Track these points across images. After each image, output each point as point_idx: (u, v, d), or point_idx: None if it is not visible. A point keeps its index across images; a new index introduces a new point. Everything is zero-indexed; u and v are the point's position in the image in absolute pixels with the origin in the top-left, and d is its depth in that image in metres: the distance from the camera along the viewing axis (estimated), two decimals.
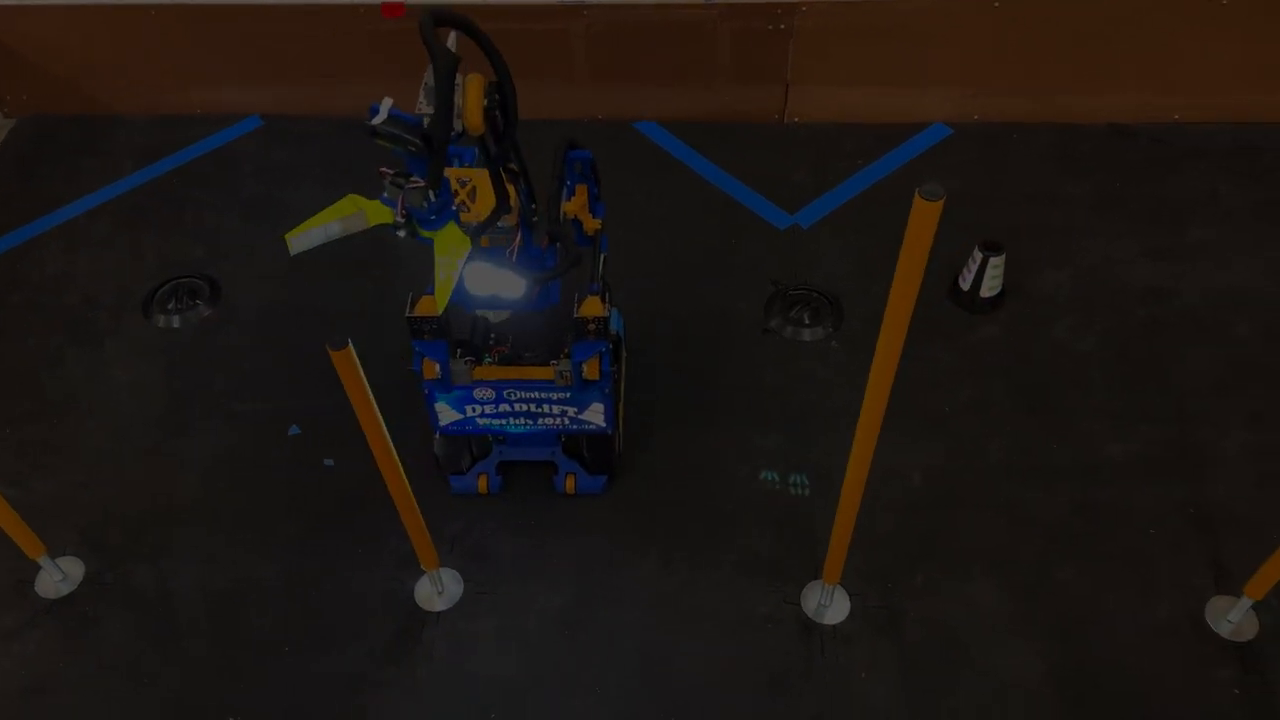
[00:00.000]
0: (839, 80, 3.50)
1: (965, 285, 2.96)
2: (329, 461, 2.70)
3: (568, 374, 2.32)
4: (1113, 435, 2.66)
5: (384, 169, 1.95)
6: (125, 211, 3.42)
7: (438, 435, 2.52)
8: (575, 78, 3.52)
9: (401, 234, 1.97)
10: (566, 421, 2.43)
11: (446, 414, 2.43)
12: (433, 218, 1.95)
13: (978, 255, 2.89)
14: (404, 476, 2.06)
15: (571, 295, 2.28)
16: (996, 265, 2.89)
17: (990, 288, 2.93)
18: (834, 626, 2.36)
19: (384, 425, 1.93)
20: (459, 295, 2.26)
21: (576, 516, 2.58)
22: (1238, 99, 3.43)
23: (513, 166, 2.09)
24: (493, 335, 2.44)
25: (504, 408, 2.41)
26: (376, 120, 1.84)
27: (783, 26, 3.34)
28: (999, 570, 2.44)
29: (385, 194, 1.94)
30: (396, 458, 2.00)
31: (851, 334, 2.96)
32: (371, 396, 1.86)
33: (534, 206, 2.19)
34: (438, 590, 2.43)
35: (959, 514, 2.55)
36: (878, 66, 3.45)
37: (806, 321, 2.99)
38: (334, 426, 2.70)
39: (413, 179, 1.92)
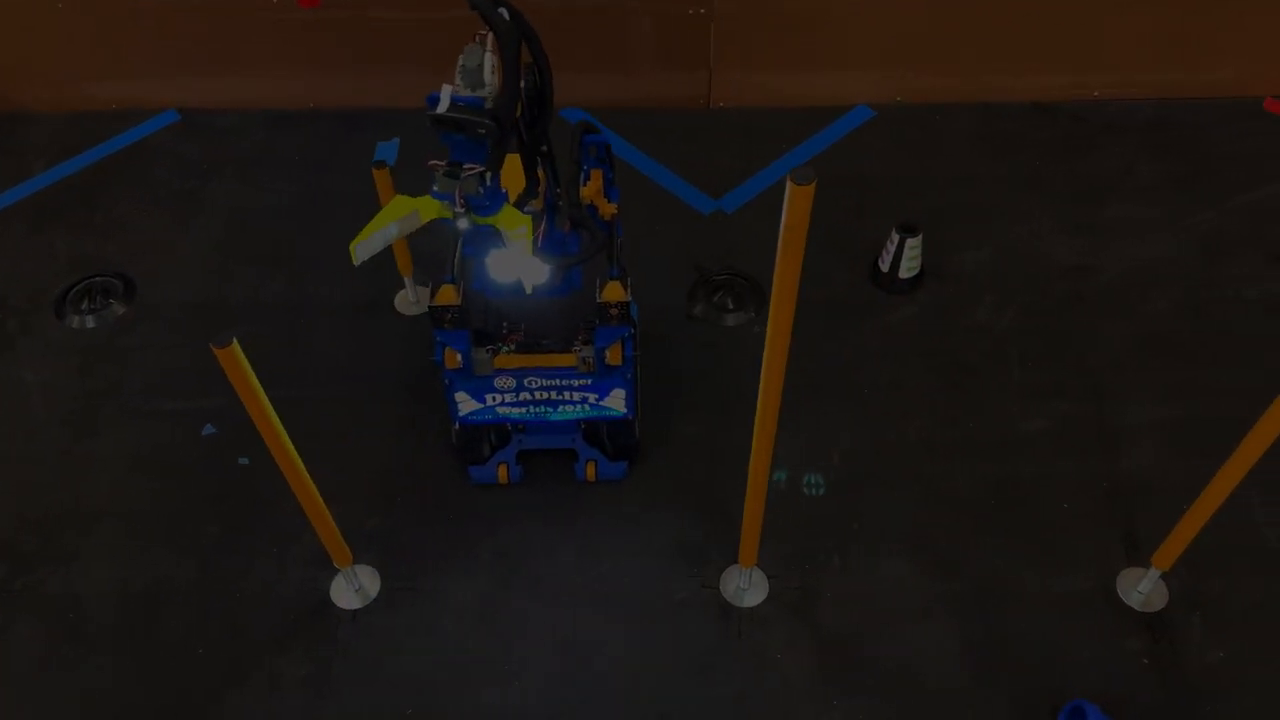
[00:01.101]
0: (763, 64, 3.49)
1: (885, 267, 2.97)
2: (244, 460, 2.66)
3: (590, 360, 2.31)
4: (1029, 411, 2.69)
5: (434, 161, 1.92)
6: (36, 211, 3.34)
7: (456, 425, 2.50)
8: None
9: (462, 224, 1.95)
10: (588, 408, 2.43)
11: (467, 403, 2.42)
12: (487, 203, 1.94)
13: (895, 237, 2.90)
14: (304, 473, 2.03)
15: (591, 280, 2.27)
16: (913, 246, 2.90)
17: (908, 269, 2.95)
18: (752, 609, 2.37)
19: (278, 422, 1.91)
20: (480, 282, 2.28)
21: (495, 506, 2.57)
22: (1155, 75, 3.47)
23: (544, 149, 2.08)
24: (505, 323, 2.43)
25: (524, 395, 2.40)
26: (440, 108, 1.83)
27: (703, 11, 3.32)
28: (916, 547, 2.46)
29: (435, 188, 1.91)
30: (295, 454, 1.98)
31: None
32: (262, 393, 1.83)
33: (559, 191, 2.18)
34: (354, 587, 2.41)
35: (878, 493, 2.56)
36: (801, 50, 3.45)
37: (730, 306, 2.99)
38: (249, 425, 2.66)
39: (466, 167, 1.89)
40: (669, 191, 3.32)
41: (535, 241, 2.09)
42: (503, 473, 2.55)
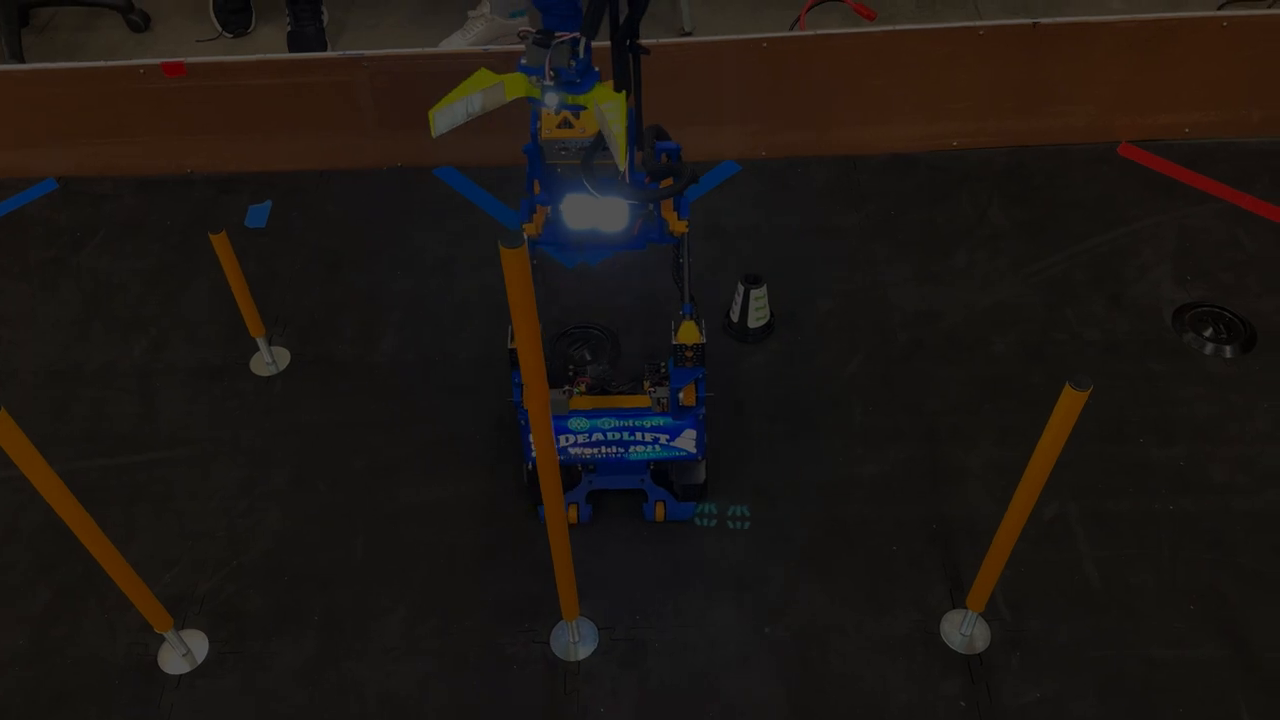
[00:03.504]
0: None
1: (735, 318, 3.03)
2: None
3: (665, 401, 2.32)
4: (864, 457, 2.73)
5: (523, 29, 1.81)
6: None
7: (529, 466, 2.50)
8: (367, 128, 3.55)
9: (550, 101, 1.81)
10: (658, 449, 2.45)
11: None
12: (578, 80, 1.81)
13: (740, 288, 2.96)
14: (103, 538, 2.04)
15: (661, 254, 2.19)
16: (759, 297, 2.96)
17: (757, 319, 3.00)
18: (579, 663, 2.37)
19: (64, 488, 1.91)
20: (554, 235, 2.16)
21: (330, 568, 2.57)
22: (1012, 123, 3.57)
23: (642, 43, 1.94)
24: (572, 368, 2.46)
25: (596, 436, 2.42)
26: None
27: None
28: (745, 594, 2.48)
29: (523, 60, 1.80)
30: (88, 519, 1.98)
31: (628, 368, 3.01)
32: (41, 460, 1.84)
33: (643, 128, 2.06)
34: (180, 652, 2.40)
35: (709, 539, 2.58)
36: (673, 106, 3.51)
37: (587, 359, 3.03)
38: (96, 485, 2.68)
39: (558, 35, 1.77)
40: (537, 246, 3.37)
41: (623, 178, 1.96)
42: (573, 513, 2.58)
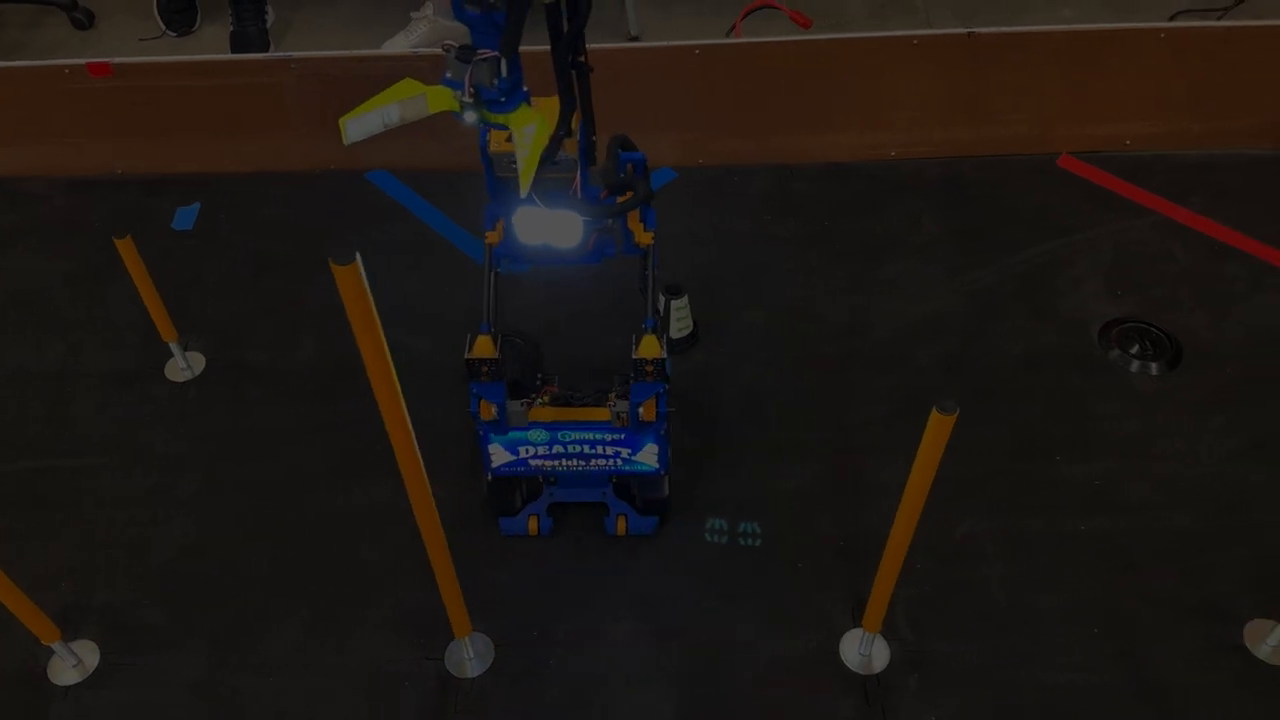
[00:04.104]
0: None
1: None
2: None
3: (625, 415, 2.29)
4: (778, 471, 2.70)
5: (447, 42, 1.76)
6: None
7: (489, 477, 2.48)
8: (298, 130, 3.51)
9: (469, 118, 1.77)
10: (620, 463, 2.42)
11: (500, 455, 2.40)
12: (502, 99, 1.75)
13: (661, 299, 2.93)
14: None
15: (624, 265, 2.16)
16: (680, 307, 2.93)
17: (679, 329, 2.97)
18: (472, 680, 2.34)
19: None
20: (508, 248, 2.13)
21: (222, 577, 2.54)
22: (950, 133, 3.54)
23: (582, 59, 1.89)
24: (540, 375, 2.43)
25: (557, 449, 2.39)
26: None
27: None
28: (645, 611, 2.45)
29: (447, 73, 1.75)
30: None
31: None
32: None
33: (594, 140, 2.03)
34: (70, 663, 2.36)
35: (611, 555, 2.55)
36: (610, 112, 3.47)
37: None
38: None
39: (480, 52, 1.71)
40: (465, 254, 3.34)
41: (574, 192, 1.96)
42: (533, 524, 2.56)
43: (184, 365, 2.97)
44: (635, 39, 4.09)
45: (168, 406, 2.91)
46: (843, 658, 2.34)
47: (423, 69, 3.39)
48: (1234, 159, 3.51)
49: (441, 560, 2.04)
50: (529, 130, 1.78)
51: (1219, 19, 3.98)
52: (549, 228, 2.01)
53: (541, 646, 2.39)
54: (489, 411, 2.30)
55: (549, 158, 1.86)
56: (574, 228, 2.02)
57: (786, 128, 3.53)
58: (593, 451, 2.40)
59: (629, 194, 2.09)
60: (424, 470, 1.84)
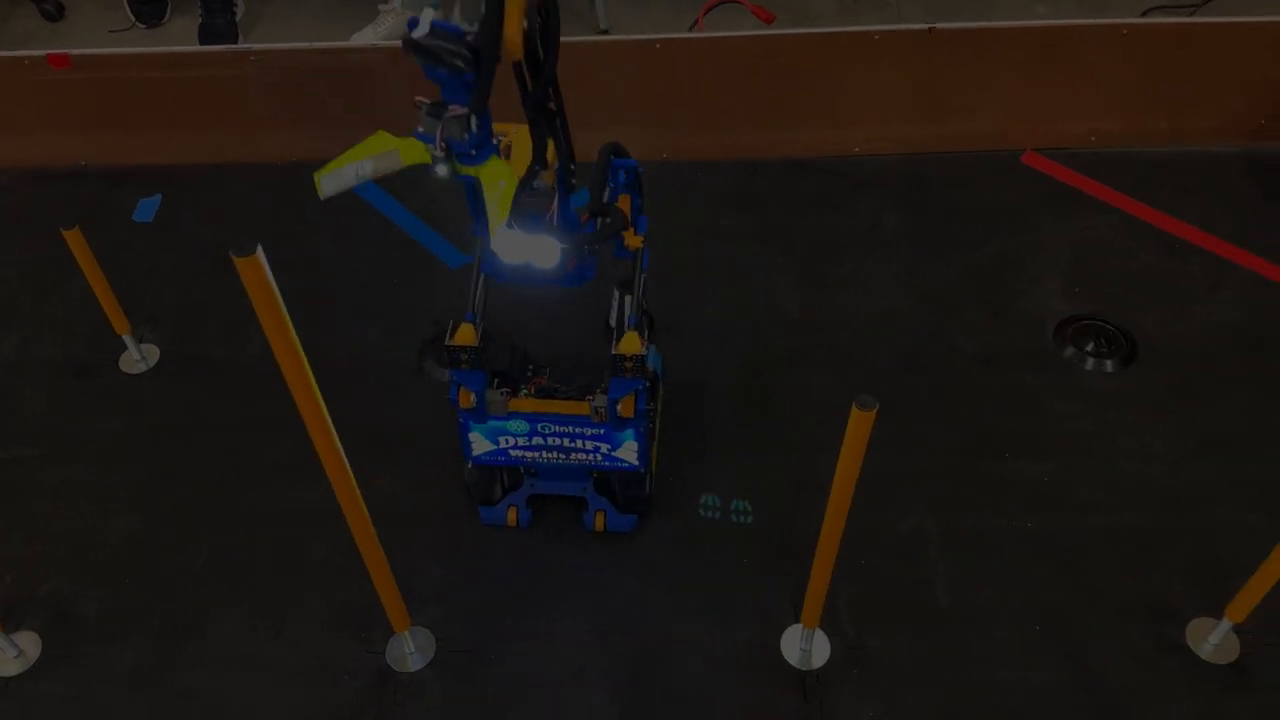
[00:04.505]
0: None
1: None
2: None
3: (603, 410, 2.29)
4: (727, 467, 2.69)
5: (419, 98, 1.78)
6: None
7: (469, 465, 2.49)
8: (261, 122, 3.51)
9: (441, 171, 1.81)
10: (599, 458, 2.42)
11: (480, 444, 2.42)
12: (473, 152, 1.79)
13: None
14: None
15: (609, 284, 2.21)
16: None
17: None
18: (411, 675, 2.34)
19: None
20: (490, 266, 2.17)
21: (170, 571, 2.53)
22: (914, 129, 3.53)
23: (551, 106, 1.91)
24: (531, 366, 2.43)
25: (537, 440, 2.39)
26: (417, 33, 1.64)
27: None
28: (587, 607, 2.44)
29: (420, 128, 1.78)
30: None
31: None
32: None
33: (573, 168, 2.05)
34: (12, 654, 2.36)
35: (555, 549, 2.55)
36: (574, 107, 3.45)
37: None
38: None
39: (451, 107, 1.74)
40: (422, 245, 3.34)
41: (550, 219, 1.99)
42: (512, 515, 2.57)
43: (138, 357, 2.97)
44: (605, 32, 4.08)
45: (120, 399, 2.91)
46: (784, 654, 2.34)
47: (381, 62, 3.38)
48: (1197, 156, 3.50)
49: (374, 556, 2.03)
50: (500, 185, 1.82)
51: (1190, 15, 3.98)
52: (529, 248, 2.04)
53: (484, 641, 2.39)
54: (468, 399, 2.31)
55: (525, 186, 1.90)
56: (552, 250, 2.05)
57: (749, 123, 3.52)
58: (572, 445, 2.41)
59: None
60: (348, 467, 1.83)
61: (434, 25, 1.66)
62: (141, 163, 3.58)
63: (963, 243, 3.26)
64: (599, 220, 2.12)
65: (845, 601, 2.42)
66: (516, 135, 1.95)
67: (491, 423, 2.37)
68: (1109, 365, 2.89)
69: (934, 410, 2.80)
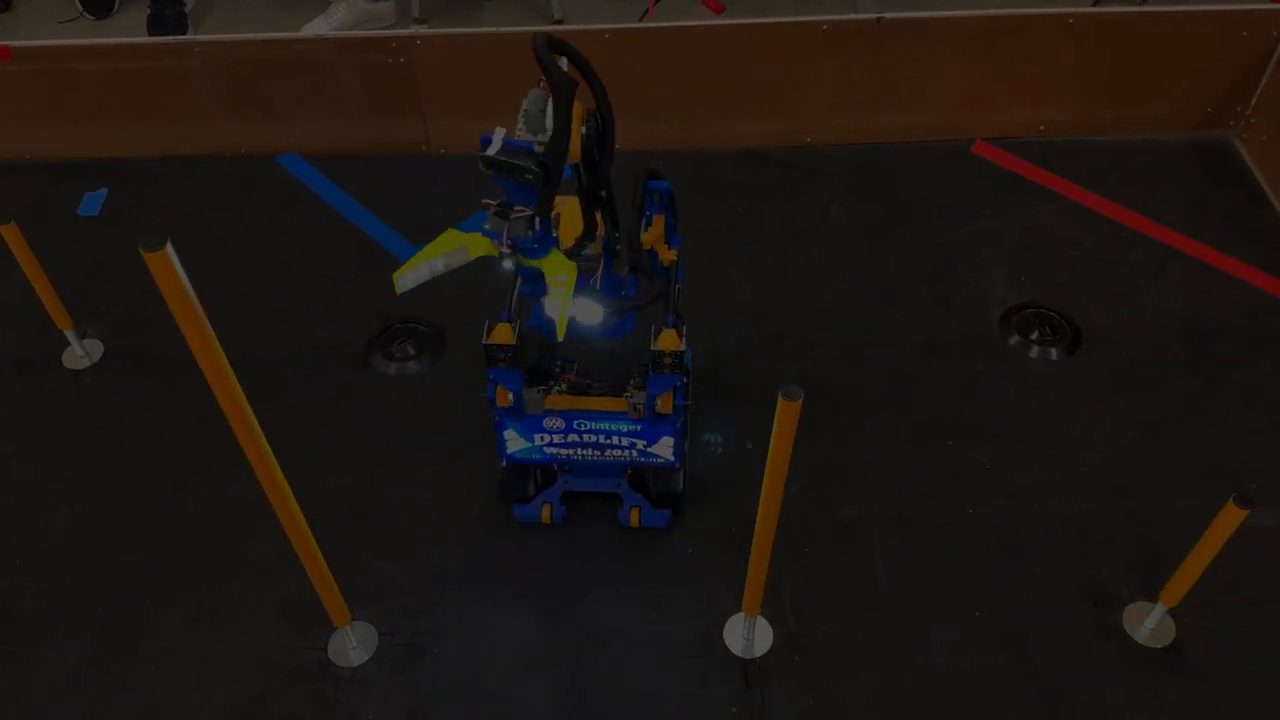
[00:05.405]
0: (479, 112, 3.48)
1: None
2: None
3: (641, 406, 2.30)
4: None
5: (486, 200, 1.95)
6: None
7: (503, 463, 2.48)
8: (206, 113, 3.47)
9: (508, 265, 1.98)
10: (635, 454, 2.41)
11: (515, 442, 2.41)
12: (535, 246, 1.95)
13: None
14: None
15: (646, 326, 2.27)
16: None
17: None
18: (353, 669, 2.33)
19: None
20: (537, 320, 2.26)
21: (111, 568, 2.51)
22: (866, 119, 3.54)
23: (602, 194, 2.09)
24: (559, 362, 2.43)
25: (572, 437, 2.39)
26: (491, 151, 1.85)
27: (403, 60, 3.34)
28: (531, 596, 2.45)
29: (486, 225, 1.94)
30: None
31: (454, 364, 2.97)
32: None
33: (616, 235, 2.19)
34: None
35: (502, 542, 2.55)
36: (512, 99, 3.43)
37: (411, 354, 2.98)
38: None
39: (516, 209, 1.91)
40: (373, 239, 3.32)
41: (593, 284, 2.13)
42: (546, 513, 2.55)
43: (81, 353, 2.94)
44: (560, 22, 4.06)
45: (62, 395, 2.88)
46: (726, 642, 2.35)
47: (328, 53, 3.35)
48: (1144, 145, 3.53)
49: (308, 551, 2.02)
50: (562, 279, 1.98)
51: (1142, 3, 4.01)
52: (575, 308, 2.13)
53: (425, 635, 2.39)
54: (505, 398, 2.31)
55: (574, 253, 2.08)
56: (595, 310, 2.18)
57: (700, 114, 3.52)
58: (608, 442, 2.41)
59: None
60: (275, 462, 1.82)
61: (505, 143, 1.85)
62: (88, 156, 3.55)
63: (912, 232, 3.27)
64: (639, 277, 2.23)
65: (789, 589, 2.43)
66: (564, 207, 2.08)
67: (527, 420, 2.36)
68: (1053, 353, 2.92)
69: (879, 399, 2.82)
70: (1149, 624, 2.34)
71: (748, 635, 2.33)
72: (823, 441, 2.72)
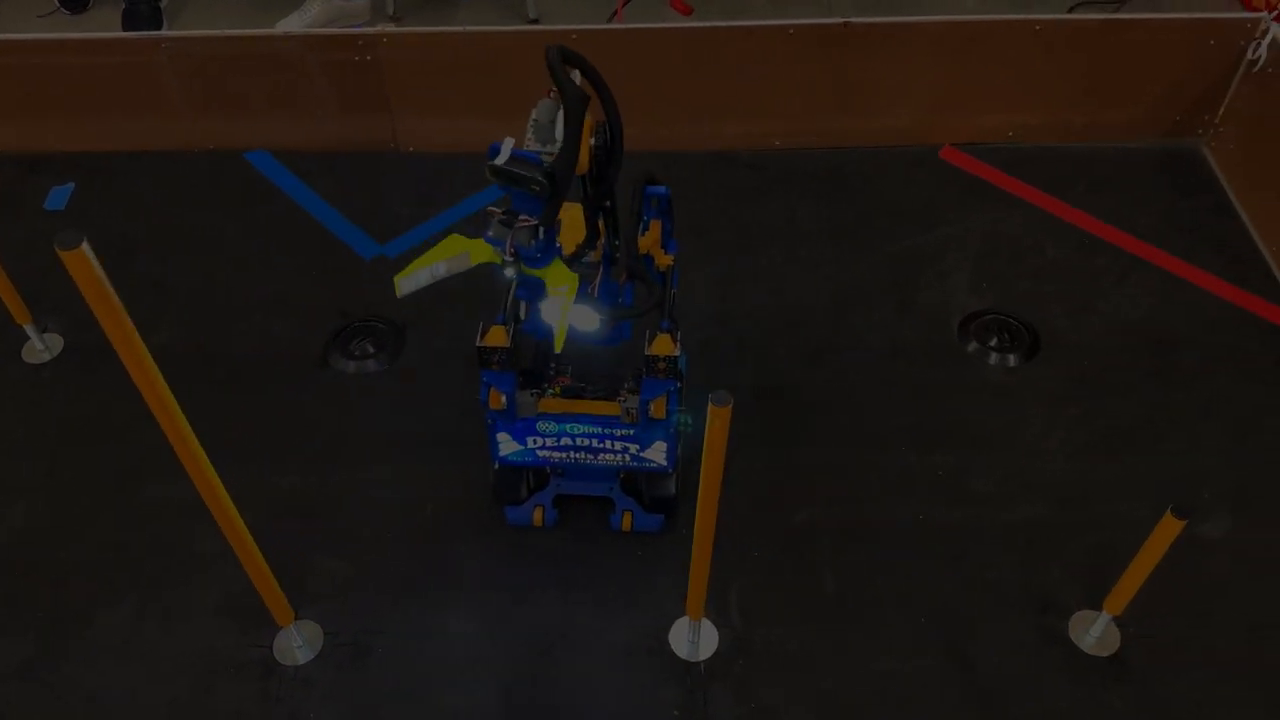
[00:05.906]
0: (445, 111, 3.51)
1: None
2: None
3: (634, 411, 2.29)
4: None
5: (491, 207, 1.94)
6: None
7: (496, 465, 2.48)
8: (176, 109, 3.47)
9: (510, 273, 1.98)
10: (628, 459, 2.41)
11: (508, 444, 2.40)
12: (538, 255, 1.95)
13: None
14: None
15: (641, 332, 2.27)
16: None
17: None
18: (297, 668, 2.33)
19: None
20: (532, 324, 2.27)
21: (54, 563, 2.51)
22: (834, 123, 3.53)
23: (608, 204, 2.11)
24: (553, 365, 2.42)
25: (565, 441, 2.38)
26: (499, 160, 1.83)
27: (370, 58, 3.34)
28: (480, 595, 2.45)
29: (490, 232, 1.93)
30: None
31: (411, 364, 2.96)
32: None
33: (616, 242, 2.20)
34: None
35: (455, 543, 2.55)
36: (481, 98, 3.47)
37: (370, 351, 2.98)
38: None
39: (521, 217, 1.91)
40: (337, 236, 3.32)
41: (591, 291, 2.14)
42: (538, 515, 2.55)
43: (41, 347, 2.94)
44: (535, 22, 4.07)
45: (20, 389, 2.88)
46: (671, 645, 2.36)
47: (298, 50, 3.35)
48: (1113, 152, 3.54)
49: (246, 549, 2.02)
50: (563, 289, 1.98)
51: (1115, 10, 4.01)
52: (572, 314, 2.12)
53: (372, 634, 2.38)
54: (498, 400, 2.31)
55: (574, 260, 2.10)
56: (592, 317, 2.18)
57: (668, 116, 3.51)
58: (601, 446, 2.40)
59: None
60: (208, 462, 1.82)
61: (514, 153, 1.84)
62: (56, 150, 3.54)
63: (877, 237, 3.27)
64: (636, 285, 2.23)
65: (735, 593, 2.43)
66: (566, 213, 2.06)
67: (520, 423, 2.36)
68: (1011, 360, 2.92)
69: (835, 403, 2.82)
70: (1094, 633, 2.34)
71: (693, 639, 2.33)
72: (776, 446, 2.72)
